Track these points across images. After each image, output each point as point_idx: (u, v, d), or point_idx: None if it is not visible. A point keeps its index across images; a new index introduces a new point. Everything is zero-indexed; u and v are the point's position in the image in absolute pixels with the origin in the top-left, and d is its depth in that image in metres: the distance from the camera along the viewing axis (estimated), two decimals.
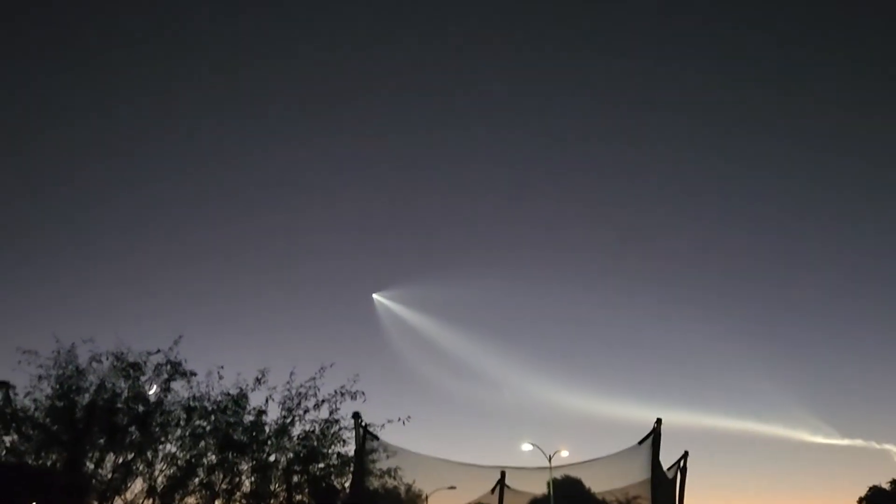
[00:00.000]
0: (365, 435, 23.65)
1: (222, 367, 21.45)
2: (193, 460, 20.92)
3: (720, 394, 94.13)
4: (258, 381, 21.66)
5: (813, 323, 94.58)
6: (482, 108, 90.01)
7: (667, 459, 28.79)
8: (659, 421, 28.75)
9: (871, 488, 70.50)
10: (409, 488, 24.17)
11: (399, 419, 22.43)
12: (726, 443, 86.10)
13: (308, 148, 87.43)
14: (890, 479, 69.15)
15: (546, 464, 29.65)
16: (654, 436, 28.76)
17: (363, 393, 22.24)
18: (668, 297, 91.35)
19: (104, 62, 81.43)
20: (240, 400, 21.51)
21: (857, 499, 69.31)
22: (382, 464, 22.98)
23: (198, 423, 21.08)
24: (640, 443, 28.79)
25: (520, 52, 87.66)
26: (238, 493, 21.47)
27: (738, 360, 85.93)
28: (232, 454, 21.20)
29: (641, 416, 75.59)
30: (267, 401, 21.75)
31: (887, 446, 77.51)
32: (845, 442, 78.55)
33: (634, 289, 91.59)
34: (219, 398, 21.32)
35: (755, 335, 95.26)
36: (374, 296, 62.55)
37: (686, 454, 28.99)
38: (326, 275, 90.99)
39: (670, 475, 28.74)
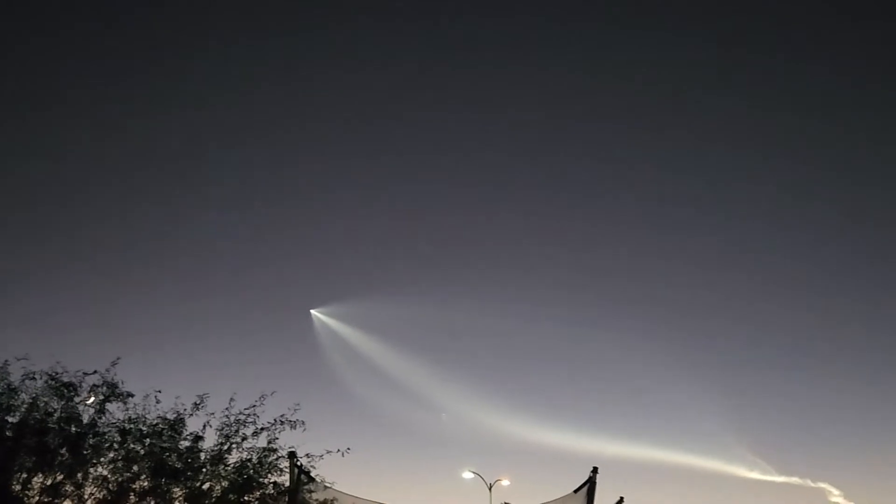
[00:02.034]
0: (300, 475, 23.40)
1: (160, 391, 21.39)
2: (125, 484, 20.49)
3: (661, 427, 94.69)
4: (196, 405, 21.56)
5: (753, 360, 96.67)
6: (429, 125, 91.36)
7: (603, 497, 28.99)
8: (595, 469, 28.96)
9: None
10: None
11: (338, 450, 22.56)
12: (665, 475, 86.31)
13: (246, 167, 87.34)
14: None
15: (485, 495, 29.63)
16: (590, 485, 28.97)
17: (303, 422, 22.37)
18: (615, 328, 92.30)
19: None
20: (176, 425, 21.29)
21: None
22: (319, 495, 22.70)
23: (132, 446, 20.74)
24: (576, 491, 28.94)
25: (474, 68, 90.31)
26: None
27: (681, 393, 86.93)
28: (165, 480, 20.83)
29: (583, 446, 75.27)
30: (204, 427, 21.60)
31: (822, 484, 78.83)
32: (781, 479, 79.68)
33: (580, 318, 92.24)
34: (155, 422, 21.12)
35: (698, 370, 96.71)
36: (312, 311, 61.06)
37: (622, 500, 29.22)
38: (265, 289, 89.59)
39: None
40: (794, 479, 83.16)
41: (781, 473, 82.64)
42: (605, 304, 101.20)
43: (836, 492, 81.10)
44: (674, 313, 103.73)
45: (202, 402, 21.69)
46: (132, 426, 20.81)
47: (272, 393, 22.47)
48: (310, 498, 22.47)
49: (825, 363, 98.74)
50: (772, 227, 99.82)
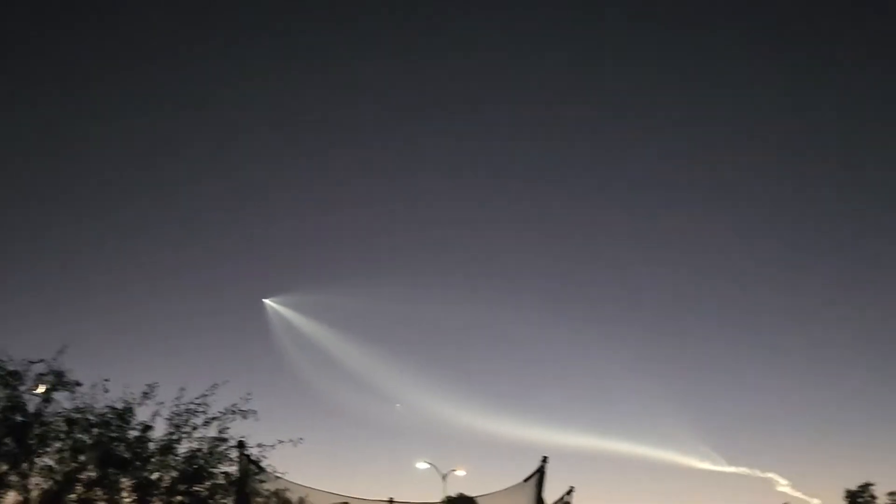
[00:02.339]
0: (248, 465, 23.22)
1: (108, 380, 21.07)
2: (72, 475, 20.24)
3: (615, 418, 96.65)
4: (146, 395, 21.28)
5: (706, 355, 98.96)
6: (377, 113, 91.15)
7: (554, 486, 29.34)
8: (545, 459, 29.30)
9: None
10: (300, 501, 23.76)
11: (290, 440, 22.51)
12: (617, 466, 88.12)
13: (198, 152, 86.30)
14: None
15: (440, 485, 29.83)
16: (540, 474, 29.29)
17: (255, 412, 22.23)
18: (570, 322, 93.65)
19: None
20: (125, 414, 21.02)
21: None
22: (270, 485, 22.61)
23: (79, 436, 20.47)
24: (526, 480, 29.23)
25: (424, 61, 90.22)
26: None
27: (635, 386, 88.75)
28: (113, 470, 20.61)
29: (537, 437, 76.34)
30: (154, 416, 21.35)
31: (770, 474, 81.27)
32: (731, 469, 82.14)
33: (536, 311, 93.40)
34: (103, 411, 20.82)
35: (652, 364, 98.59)
36: (266, 301, 60.57)
37: (572, 489, 29.64)
38: (217, 278, 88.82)
39: None
40: (744, 470, 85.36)
41: (731, 464, 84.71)
42: (561, 298, 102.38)
43: (783, 481, 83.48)
44: (629, 308, 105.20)
45: (152, 391, 21.42)
46: (79, 416, 20.48)
47: (224, 382, 22.27)
48: (260, 488, 22.40)
49: (775, 359, 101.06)
50: (723, 226, 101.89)
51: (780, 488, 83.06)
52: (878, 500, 71.11)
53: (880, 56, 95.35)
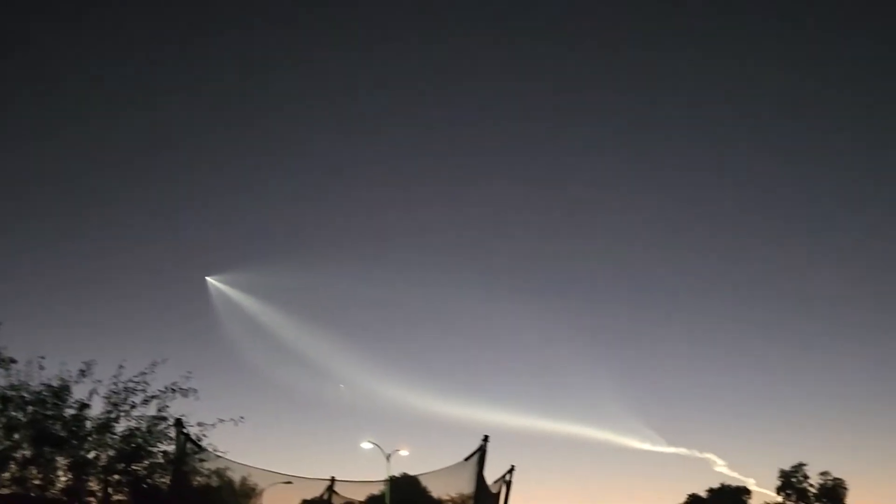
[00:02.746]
0: (186, 443, 22.98)
1: (44, 358, 20.74)
2: (6, 453, 19.89)
3: (556, 399, 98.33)
4: (83, 372, 20.94)
5: (646, 337, 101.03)
6: (322, 87, 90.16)
7: (496, 465, 29.81)
8: (486, 438, 29.74)
9: (689, 496, 75.40)
10: (242, 482, 23.75)
11: (231, 419, 22.43)
12: (558, 446, 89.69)
13: (137, 130, 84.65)
14: (708, 488, 74.34)
15: (384, 464, 30.07)
16: (481, 453, 29.70)
17: (195, 390, 22.06)
18: (513, 303, 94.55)
19: None
20: (61, 392, 20.70)
21: None
22: (211, 464, 22.54)
23: (13, 413, 20.11)
24: (467, 459, 29.62)
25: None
26: (52, 490, 20.54)
27: (577, 367, 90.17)
28: (48, 449, 20.32)
29: (480, 417, 77.17)
30: (91, 394, 21.05)
31: (708, 454, 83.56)
32: (671, 450, 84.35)
33: (479, 292, 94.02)
34: (38, 389, 20.48)
35: (594, 346, 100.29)
36: (208, 279, 59.58)
37: (512, 468, 30.15)
38: (156, 254, 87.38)
39: (495, 489, 29.73)
40: (683, 450, 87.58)
41: (671, 445, 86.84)
42: (503, 279, 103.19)
43: (720, 462, 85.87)
44: (571, 290, 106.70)
45: (89, 368, 21.08)
46: (14, 393, 20.13)
47: (163, 360, 22.02)
48: (200, 467, 22.33)
49: (713, 342, 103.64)
50: (661, 209, 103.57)
51: (717, 468, 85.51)
52: (810, 480, 73.77)
53: None
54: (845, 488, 72.99)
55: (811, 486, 73.37)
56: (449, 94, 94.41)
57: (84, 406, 20.94)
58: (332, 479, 25.51)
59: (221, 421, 22.20)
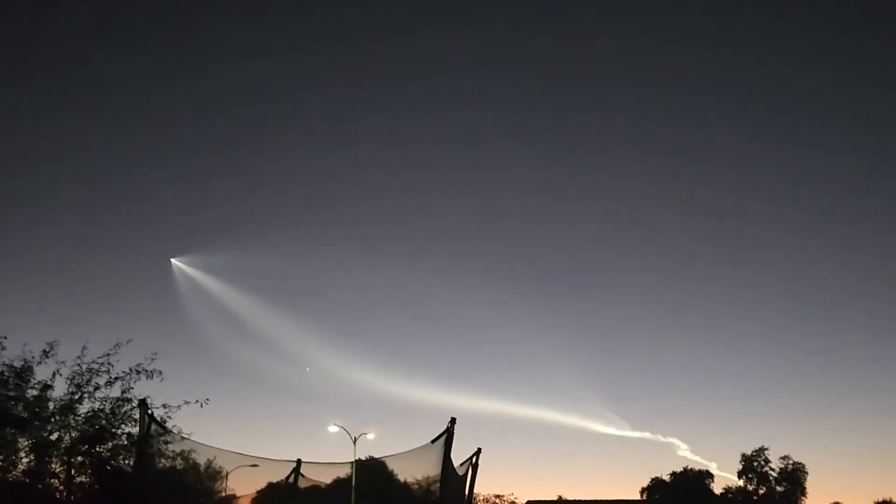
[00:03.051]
0: (150, 424, 22.77)
1: (5, 338, 20.51)
2: None
3: (523, 383, 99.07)
4: (46, 353, 20.72)
5: (612, 322, 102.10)
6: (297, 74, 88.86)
7: (463, 448, 30.01)
8: (453, 420, 29.90)
9: (653, 479, 76.45)
10: (208, 465, 23.66)
11: (197, 401, 22.31)
12: (524, 429, 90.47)
13: (103, 114, 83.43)
14: (671, 472, 75.45)
15: (351, 448, 30.12)
16: (447, 435, 29.86)
17: (160, 372, 21.87)
18: (479, 288, 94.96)
19: None
20: (23, 373, 20.49)
21: (640, 489, 75.19)
22: (176, 446, 22.41)
23: None
24: (434, 441, 29.77)
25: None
26: (14, 472, 20.35)
27: (543, 351, 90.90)
28: (10, 430, 20.08)
29: (446, 400, 77.55)
30: (54, 375, 20.84)
31: (671, 439, 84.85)
32: (635, 434, 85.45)
33: (445, 276, 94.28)
34: (0, 370, 20.27)
35: (560, 330, 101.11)
36: (173, 260, 59.00)
37: (479, 451, 30.37)
38: (120, 235, 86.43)
39: (462, 471, 29.95)
40: (647, 435, 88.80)
41: (635, 429, 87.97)
42: (470, 263, 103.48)
43: (683, 446, 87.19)
44: (536, 274, 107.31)
45: (52, 349, 20.88)
46: None
47: (127, 342, 21.83)
48: (165, 449, 22.19)
49: (677, 328, 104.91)
50: (625, 195, 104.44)
51: (680, 452, 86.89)
52: (771, 464, 75.09)
53: None
54: (805, 472, 74.31)
55: (772, 469, 74.56)
56: (423, 88, 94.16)
57: (47, 387, 20.78)
58: (299, 462, 25.57)
59: (187, 403, 22.16)
